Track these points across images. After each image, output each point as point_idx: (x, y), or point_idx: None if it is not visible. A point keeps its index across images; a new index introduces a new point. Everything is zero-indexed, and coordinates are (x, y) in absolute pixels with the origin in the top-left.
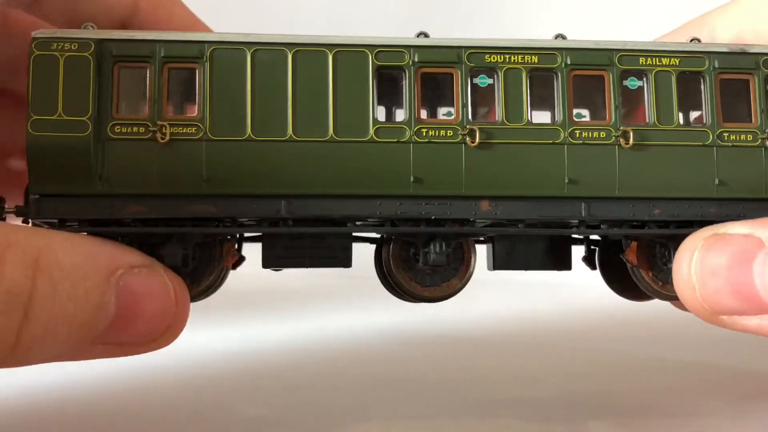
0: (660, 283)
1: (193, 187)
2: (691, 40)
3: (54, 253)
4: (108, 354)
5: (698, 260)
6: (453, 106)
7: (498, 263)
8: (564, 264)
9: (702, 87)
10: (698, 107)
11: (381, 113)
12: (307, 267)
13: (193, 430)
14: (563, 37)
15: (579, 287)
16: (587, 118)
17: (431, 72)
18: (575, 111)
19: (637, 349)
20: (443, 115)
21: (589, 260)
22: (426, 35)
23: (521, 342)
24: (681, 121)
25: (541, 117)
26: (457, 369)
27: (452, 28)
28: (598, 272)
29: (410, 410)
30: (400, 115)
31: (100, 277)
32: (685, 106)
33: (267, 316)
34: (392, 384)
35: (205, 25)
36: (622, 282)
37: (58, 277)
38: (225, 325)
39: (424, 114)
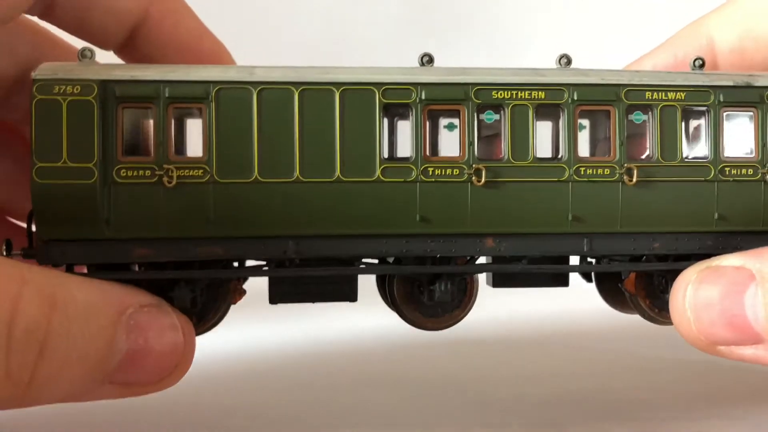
0: (656, 310)
1: (201, 230)
2: (695, 60)
3: (69, 291)
4: (115, 394)
5: (692, 293)
6: (459, 143)
7: (498, 281)
8: (562, 281)
9: (705, 121)
10: (701, 140)
11: (387, 148)
12: (313, 302)
13: (192, 430)
14: (568, 59)
15: (579, 287)
16: (587, 128)
17: (438, 109)
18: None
19: (638, 348)
20: (444, 126)
21: (585, 274)
22: (430, 57)
23: (522, 342)
24: (683, 156)
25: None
26: (457, 369)
27: (452, 27)
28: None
29: (411, 410)
30: (406, 149)
31: (112, 315)
32: (688, 141)
33: (267, 315)
34: (393, 384)
35: (214, 36)
36: (616, 295)
37: (73, 315)
38: (225, 325)
39: (430, 150)
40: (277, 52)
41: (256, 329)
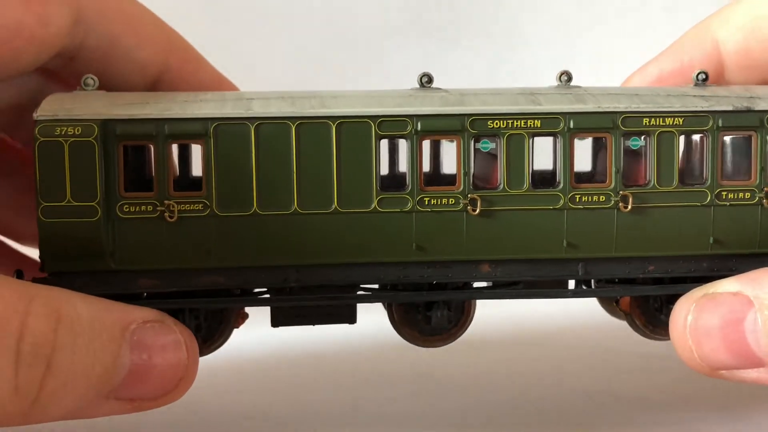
0: (651, 327)
1: (202, 261)
2: (698, 74)
3: (74, 306)
4: (120, 410)
5: (692, 323)
6: (455, 172)
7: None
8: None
9: (703, 146)
10: (699, 166)
11: (384, 177)
12: (314, 325)
13: (192, 429)
14: (569, 76)
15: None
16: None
17: (435, 139)
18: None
19: (639, 348)
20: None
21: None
22: (429, 77)
23: (521, 341)
24: (680, 181)
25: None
26: (457, 368)
27: (452, 27)
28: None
29: (410, 409)
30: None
31: (116, 330)
32: (686, 166)
33: (266, 313)
34: (393, 383)
35: (230, 81)
36: (614, 304)
37: (78, 330)
38: None
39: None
40: (278, 53)
41: (255, 328)
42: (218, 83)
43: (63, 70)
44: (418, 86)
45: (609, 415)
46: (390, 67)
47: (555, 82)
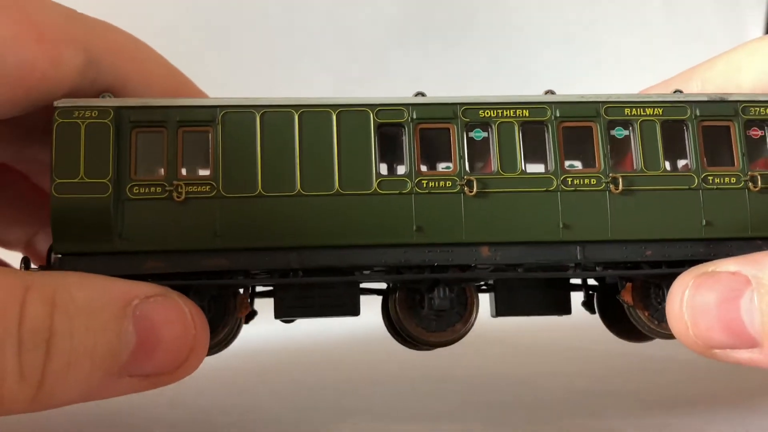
0: (656, 322)
1: (208, 242)
2: (675, 92)
3: (68, 291)
4: (135, 387)
5: (689, 298)
6: (451, 159)
7: (500, 310)
8: (564, 308)
9: (685, 134)
10: (684, 153)
11: (384, 168)
12: (317, 316)
13: (193, 429)
14: (552, 93)
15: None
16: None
17: (429, 127)
18: (568, 162)
19: (639, 348)
20: (443, 168)
21: (588, 305)
22: (423, 95)
23: (521, 342)
24: (668, 167)
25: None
26: (457, 368)
27: (452, 27)
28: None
29: (410, 408)
30: (401, 168)
31: (116, 308)
32: (672, 153)
33: (266, 311)
34: (393, 382)
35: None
36: (621, 325)
37: (74, 312)
38: None
39: (424, 167)
40: (277, 54)
41: (256, 328)
42: None
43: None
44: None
45: (610, 415)
46: (390, 68)
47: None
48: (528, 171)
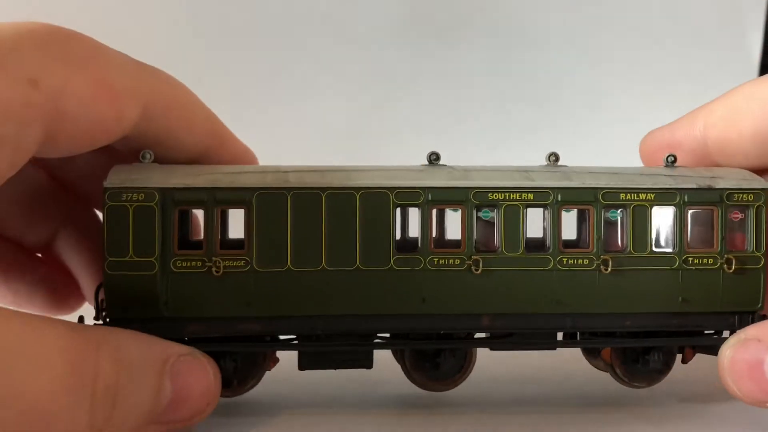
0: (630, 376)
1: (242, 310)
2: (668, 157)
3: (128, 349)
4: None
5: (728, 365)
6: (460, 236)
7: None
8: (550, 346)
9: (672, 219)
10: (669, 235)
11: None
12: (336, 369)
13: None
14: (556, 156)
15: None
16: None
17: (443, 208)
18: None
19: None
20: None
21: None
22: (437, 156)
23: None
24: (653, 248)
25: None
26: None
27: (452, 28)
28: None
29: (410, 408)
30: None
31: (159, 366)
32: (658, 234)
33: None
34: (391, 383)
35: (252, 152)
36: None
37: (133, 370)
38: None
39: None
40: (277, 54)
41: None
42: (243, 154)
43: (117, 145)
44: (426, 163)
45: (610, 414)
46: (390, 67)
47: (544, 161)
48: (528, 252)
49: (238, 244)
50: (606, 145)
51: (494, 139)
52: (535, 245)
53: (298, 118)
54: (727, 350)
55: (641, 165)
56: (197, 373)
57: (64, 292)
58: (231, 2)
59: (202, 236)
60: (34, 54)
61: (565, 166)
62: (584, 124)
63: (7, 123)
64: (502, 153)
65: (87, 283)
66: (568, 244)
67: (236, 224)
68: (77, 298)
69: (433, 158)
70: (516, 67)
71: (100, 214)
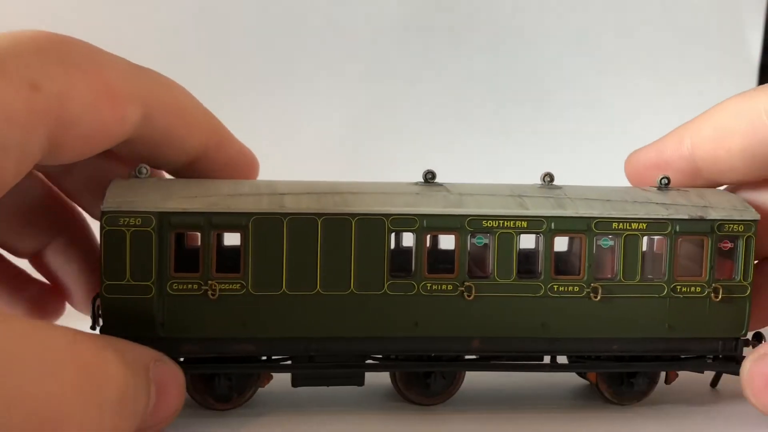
0: (617, 397)
1: (237, 332)
2: (661, 179)
3: (128, 354)
4: None
5: (748, 379)
6: (454, 262)
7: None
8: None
9: (664, 248)
10: (659, 263)
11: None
12: (328, 386)
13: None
14: (551, 177)
15: None
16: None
17: (437, 234)
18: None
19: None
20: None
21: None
22: (433, 174)
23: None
24: (643, 275)
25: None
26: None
27: (452, 28)
28: None
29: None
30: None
31: (146, 370)
32: (648, 263)
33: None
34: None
35: (251, 152)
36: None
37: (135, 375)
38: None
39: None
40: (276, 54)
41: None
42: (242, 155)
43: (116, 149)
44: (422, 181)
45: (610, 414)
46: (390, 68)
47: (539, 181)
48: (520, 279)
49: (234, 252)
50: (606, 144)
51: (495, 139)
52: (526, 258)
53: (298, 119)
54: (747, 364)
55: (624, 165)
56: (171, 378)
57: (48, 300)
58: (231, 2)
59: (198, 243)
60: (35, 59)
61: (559, 187)
62: (584, 124)
63: (11, 129)
64: (503, 153)
65: (77, 291)
66: (560, 269)
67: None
68: (58, 305)
69: (429, 177)
70: (516, 67)
71: (90, 220)
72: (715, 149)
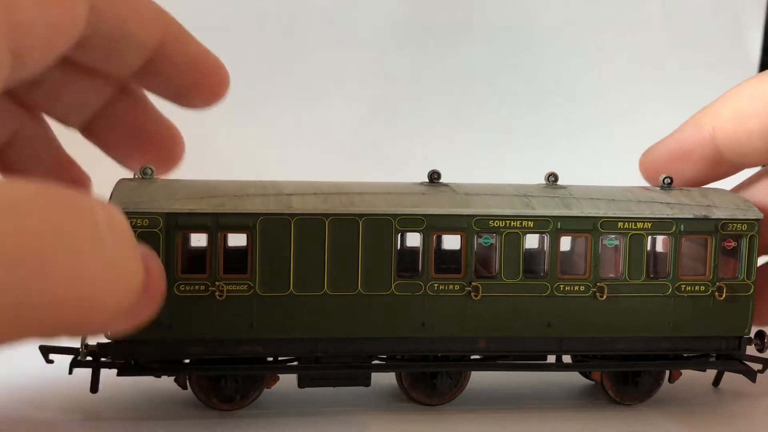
0: (620, 395)
1: (244, 333)
2: (664, 179)
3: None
4: (124, 324)
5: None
6: (461, 263)
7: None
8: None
9: (668, 247)
10: (664, 262)
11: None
12: (334, 387)
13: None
14: (555, 177)
15: None
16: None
17: (443, 234)
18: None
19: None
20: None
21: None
22: (438, 174)
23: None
24: (647, 275)
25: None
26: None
27: (453, 28)
28: None
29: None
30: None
31: (135, 243)
32: (653, 262)
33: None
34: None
35: (214, 55)
36: None
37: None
38: None
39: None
40: (276, 54)
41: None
42: (204, 56)
43: (73, 56)
44: (427, 181)
45: (610, 413)
46: (390, 68)
47: (543, 181)
48: (526, 278)
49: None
50: (606, 144)
51: (495, 139)
52: (531, 256)
53: (299, 119)
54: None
55: (639, 162)
56: (153, 260)
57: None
58: (233, 5)
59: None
60: None
61: (564, 187)
62: (584, 123)
63: None
64: (503, 153)
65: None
66: (563, 269)
67: None
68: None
69: (435, 177)
70: (517, 67)
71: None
72: (735, 131)
